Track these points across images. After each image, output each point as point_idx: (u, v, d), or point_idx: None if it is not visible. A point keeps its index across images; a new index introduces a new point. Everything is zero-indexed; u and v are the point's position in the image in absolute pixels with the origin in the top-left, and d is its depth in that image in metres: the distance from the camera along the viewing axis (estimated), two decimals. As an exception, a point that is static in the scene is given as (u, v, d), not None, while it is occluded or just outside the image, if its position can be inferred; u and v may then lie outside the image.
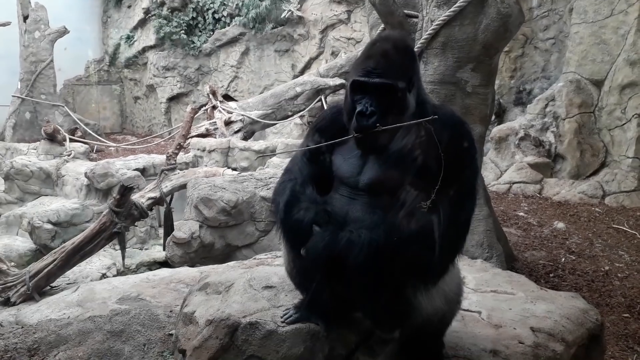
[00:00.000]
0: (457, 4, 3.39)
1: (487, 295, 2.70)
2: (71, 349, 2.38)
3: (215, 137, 8.14)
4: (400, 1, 5.08)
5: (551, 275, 3.90)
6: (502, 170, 6.44)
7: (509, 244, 4.13)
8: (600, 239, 4.67)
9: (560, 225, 4.91)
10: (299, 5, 9.97)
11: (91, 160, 8.41)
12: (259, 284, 2.31)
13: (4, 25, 10.08)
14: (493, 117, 6.87)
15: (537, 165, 6.20)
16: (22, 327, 2.64)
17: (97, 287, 3.29)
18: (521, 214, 5.26)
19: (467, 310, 2.43)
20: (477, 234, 3.56)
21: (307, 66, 10.19)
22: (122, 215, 4.92)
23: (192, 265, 4.32)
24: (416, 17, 4.72)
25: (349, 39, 9.62)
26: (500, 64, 7.22)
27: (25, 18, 10.87)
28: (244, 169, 7.14)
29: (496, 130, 6.69)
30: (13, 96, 10.90)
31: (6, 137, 10.76)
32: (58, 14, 11.18)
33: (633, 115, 5.86)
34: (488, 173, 6.30)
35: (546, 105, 6.42)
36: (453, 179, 1.70)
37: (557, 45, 6.98)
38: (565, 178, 6.13)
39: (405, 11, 5.01)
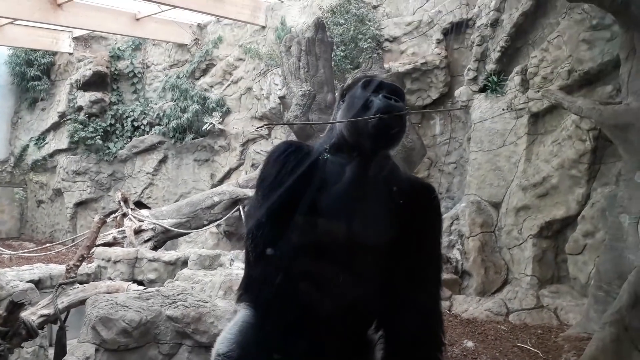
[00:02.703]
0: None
1: None
2: None
3: (122, 247, 7.74)
4: (317, 127, 5.41)
5: (463, 398, 3.88)
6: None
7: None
8: (506, 359, 4.78)
9: (469, 344, 5.00)
10: (221, 119, 10.27)
11: (-22, 269, 7.62)
12: None
13: None
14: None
15: (446, 281, 6.42)
16: None
17: None
18: (432, 332, 5.31)
19: None
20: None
21: (226, 176, 10.28)
22: (7, 335, 4.41)
23: (83, 395, 3.87)
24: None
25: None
26: (409, 184, 7.69)
27: None
28: (152, 281, 6.76)
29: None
30: None
31: None
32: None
33: (528, 236, 6.34)
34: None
35: (451, 224, 6.83)
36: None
37: (459, 169, 7.61)
38: (473, 295, 6.37)
39: (321, 135, 5.33)
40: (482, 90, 6.95)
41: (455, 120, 7.64)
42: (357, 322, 1.74)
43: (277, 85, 9.32)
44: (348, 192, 1.70)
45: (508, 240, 6.52)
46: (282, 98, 8.75)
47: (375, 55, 7.14)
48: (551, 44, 6.30)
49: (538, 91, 6.31)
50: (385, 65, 6.96)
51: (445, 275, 6.49)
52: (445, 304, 6.22)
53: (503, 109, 6.66)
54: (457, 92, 7.27)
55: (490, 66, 6.88)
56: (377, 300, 1.72)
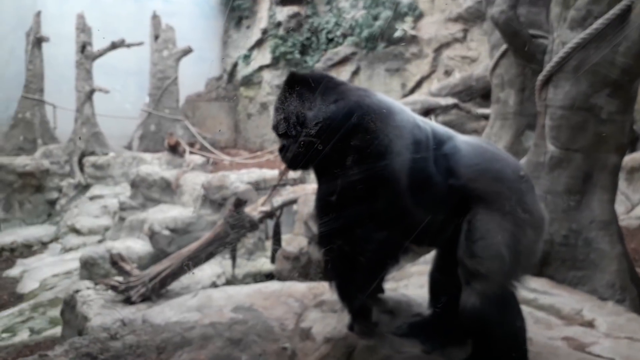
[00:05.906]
0: (594, 26, 3.16)
1: (621, 341, 2.47)
2: (194, 351, 2.51)
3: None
4: (525, 21, 4.87)
5: (694, 325, 3.46)
6: (633, 203, 5.87)
7: (642, 286, 3.73)
8: None
9: None
10: (414, 25, 9.94)
11: (207, 172, 8.93)
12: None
13: (137, 45, 11.13)
14: (624, 145, 6.31)
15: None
16: (151, 326, 2.84)
17: (214, 294, 3.44)
18: (655, 253, 4.75)
19: (599, 357, 2.24)
20: (608, 273, 3.26)
21: (417, 85, 10.10)
22: (235, 227, 5.16)
23: (298, 280, 4.39)
24: (543, 37, 4.49)
25: (464, 57, 9.40)
26: (633, 87, 6.64)
27: (156, 38, 11.92)
28: (350, 187, 7.19)
29: (628, 159, 6.10)
30: (141, 110, 11.96)
31: (133, 147, 11.80)
32: (184, 34, 12.13)
33: None
34: (618, 206, 5.74)
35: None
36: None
37: None
38: None
39: (531, 31, 4.79)
40: None
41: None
42: None
43: (474, -18, 8.60)
44: None
45: None
46: (482, -5, 8.07)
47: None
48: None
49: None
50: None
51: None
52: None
53: None
54: None
55: None
56: None
